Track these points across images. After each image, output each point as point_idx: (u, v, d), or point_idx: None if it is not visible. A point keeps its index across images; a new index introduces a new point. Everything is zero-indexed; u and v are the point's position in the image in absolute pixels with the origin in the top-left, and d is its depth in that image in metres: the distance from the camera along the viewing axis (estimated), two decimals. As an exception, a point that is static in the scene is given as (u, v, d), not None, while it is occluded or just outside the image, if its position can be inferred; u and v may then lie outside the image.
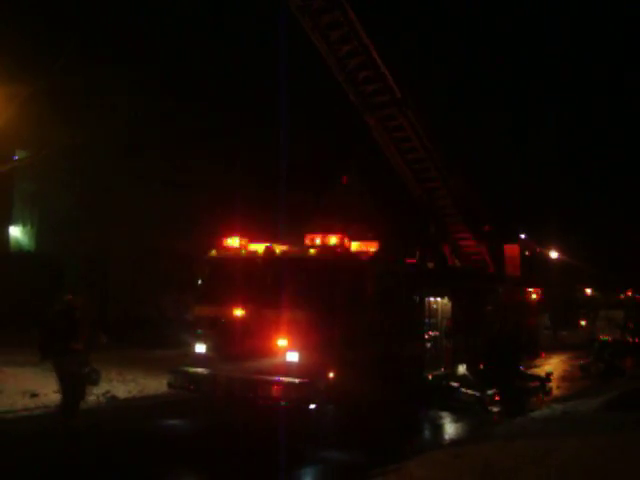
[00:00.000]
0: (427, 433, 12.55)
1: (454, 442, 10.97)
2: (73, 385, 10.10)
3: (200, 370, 11.14)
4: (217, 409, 11.45)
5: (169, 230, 26.75)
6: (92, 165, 24.36)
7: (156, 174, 27.14)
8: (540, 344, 21.29)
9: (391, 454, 9.33)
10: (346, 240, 11.32)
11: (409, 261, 14.03)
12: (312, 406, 10.34)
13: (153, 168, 27.03)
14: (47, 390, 12.83)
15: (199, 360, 11.35)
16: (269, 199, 23.54)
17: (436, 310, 14.12)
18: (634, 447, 9.17)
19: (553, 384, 16.84)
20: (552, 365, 23.06)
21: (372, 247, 11.85)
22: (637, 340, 26.48)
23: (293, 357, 10.38)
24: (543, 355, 21.47)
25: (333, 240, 11.12)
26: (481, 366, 15.04)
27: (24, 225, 27.00)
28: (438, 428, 12.66)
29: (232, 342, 10.93)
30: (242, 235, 11.99)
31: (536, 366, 20.39)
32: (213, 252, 12.02)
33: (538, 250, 38.61)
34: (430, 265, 14.62)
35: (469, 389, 13.87)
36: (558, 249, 43.16)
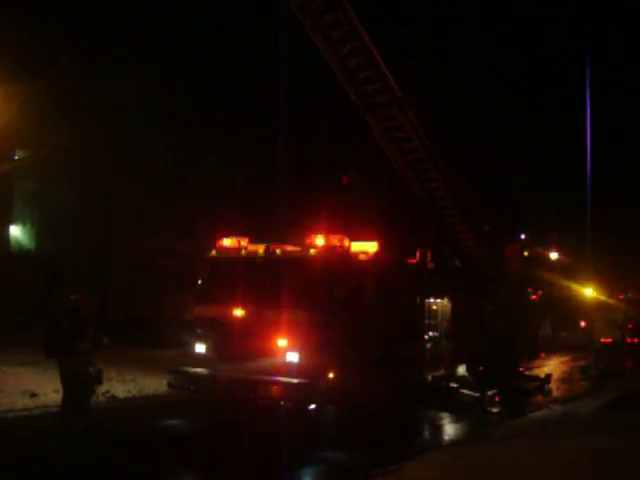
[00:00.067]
0: (427, 434, 12.56)
1: (454, 443, 10.99)
2: (77, 384, 10.12)
3: (200, 370, 11.14)
4: (217, 409, 11.44)
5: (169, 230, 26.78)
6: (92, 165, 24.36)
7: (157, 174, 27.17)
8: (539, 345, 21.31)
9: (391, 455, 9.34)
10: (346, 240, 11.31)
11: (409, 261, 14.03)
12: (312, 406, 10.34)
13: (154, 168, 27.05)
14: (47, 390, 12.84)
15: (199, 360, 11.35)
16: (269, 199, 23.57)
17: (436, 311, 14.11)
18: (634, 449, 9.15)
19: (553, 385, 16.86)
20: (552, 366, 23.07)
21: (372, 247, 11.85)
22: (637, 341, 26.46)
23: (293, 357, 10.38)
24: (543, 355, 21.49)
25: (333, 240, 11.11)
26: (481, 367, 15.04)
27: (24, 225, 27.02)
28: (438, 429, 12.67)
29: (232, 342, 10.93)
30: (242, 235, 11.99)
31: (536, 367, 20.41)
32: (213, 252, 12.02)
33: (539, 250, 38.57)
34: (430, 265, 14.61)
35: (469, 390, 13.88)
36: (558, 249, 43.14)
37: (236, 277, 11.37)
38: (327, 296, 10.60)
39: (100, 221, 25.91)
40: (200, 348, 11.44)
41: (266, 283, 11.11)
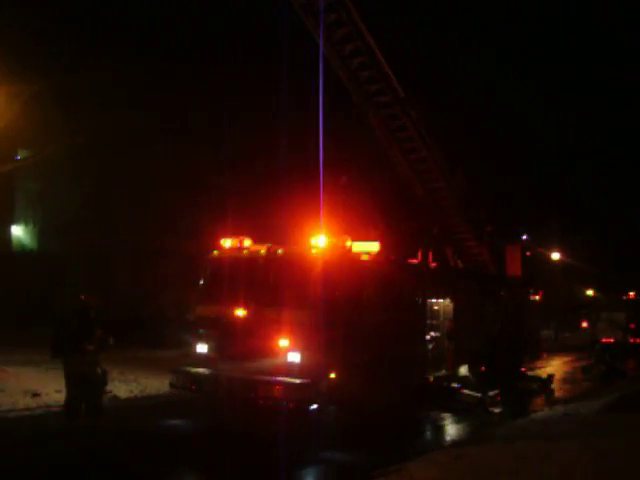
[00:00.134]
0: (428, 434, 12.56)
1: (455, 443, 10.97)
2: (82, 385, 10.12)
3: (202, 370, 11.14)
4: (219, 409, 11.45)
5: (171, 230, 26.76)
6: (95, 165, 24.38)
7: (158, 174, 27.14)
8: (541, 345, 21.28)
9: (392, 455, 9.32)
10: (348, 240, 11.31)
11: (411, 262, 14.02)
12: (313, 407, 10.33)
13: (155, 168, 27.02)
14: (49, 390, 12.85)
15: (201, 360, 11.35)
16: (271, 200, 23.57)
17: (438, 311, 14.10)
18: (636, 449, 9.14)
19: (554, 386, 16.82)
20: (553, 367, 23.03)
21: (374, 248, 11.84)
22: (639, 341, 26.44)
23: (295, 358, 10.38)
24: (545, 355, 21.45)
25: (335, 241, 11.11)
26: (483, 367, 15.03)
27: (26, 225, 27.05)
28: (439, 429, 12.66)
29: (234, 342, 10.93)
30: (244, 235, 11.99)
31: (538, 368, 20.39)
32: (215, 252, 12.01)
33: (540, 251, 38.57)
34: (432, 266, 14.61)
35: (470, 390, 13.86)
36: (560, 250, 43.14)
37: (238, 277, 11.37)
38: (329, 296, 10.59)
39: (102, 221, 25.90)
40: (202, 348, 11.43)
41: (268, 283, 11.11)
